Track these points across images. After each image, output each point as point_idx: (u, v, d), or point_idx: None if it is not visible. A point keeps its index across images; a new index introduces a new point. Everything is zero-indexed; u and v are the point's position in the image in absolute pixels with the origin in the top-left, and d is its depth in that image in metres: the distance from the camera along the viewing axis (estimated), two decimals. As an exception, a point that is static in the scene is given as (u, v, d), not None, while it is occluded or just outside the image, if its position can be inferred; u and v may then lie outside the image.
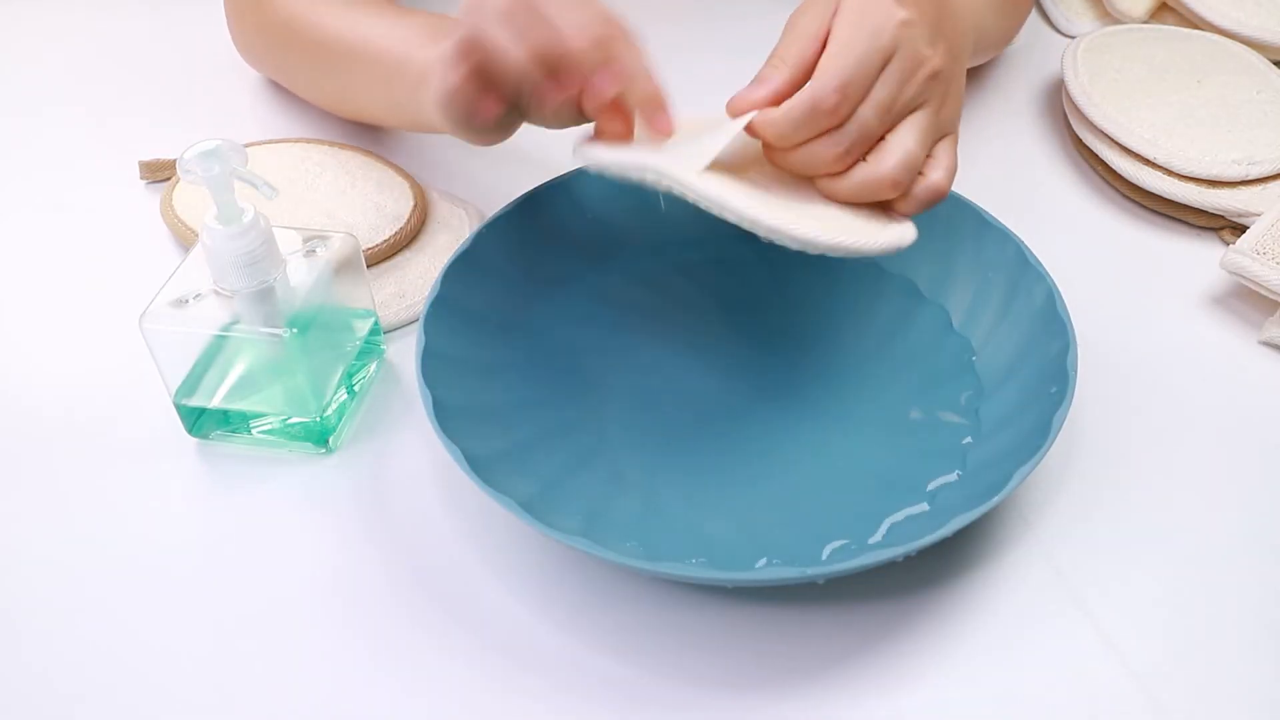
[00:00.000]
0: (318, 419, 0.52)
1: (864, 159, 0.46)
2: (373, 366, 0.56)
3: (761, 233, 0.44)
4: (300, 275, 0.50)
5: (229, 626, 0.46)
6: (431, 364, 0.49)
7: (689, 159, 0.45)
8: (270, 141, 0.68)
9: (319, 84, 0.64)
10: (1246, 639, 0.45)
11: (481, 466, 0.45)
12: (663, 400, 0.54)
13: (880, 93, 0.45)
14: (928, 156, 0.47)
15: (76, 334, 0.59)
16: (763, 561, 0.46)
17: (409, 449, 0.53)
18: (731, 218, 0.44)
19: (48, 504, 0.51)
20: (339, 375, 0.53)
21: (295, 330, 0.49)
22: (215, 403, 0.52)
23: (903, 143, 0.46)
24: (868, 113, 0.45)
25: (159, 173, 0.68)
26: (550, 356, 0.55)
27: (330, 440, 0.52)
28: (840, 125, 0.45)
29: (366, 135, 0.70)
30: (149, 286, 0.50)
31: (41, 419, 0.55)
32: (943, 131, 0.48)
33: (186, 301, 0.49)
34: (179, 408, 0.52)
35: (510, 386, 0.53)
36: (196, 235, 0.61)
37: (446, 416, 0.47)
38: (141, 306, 0.49)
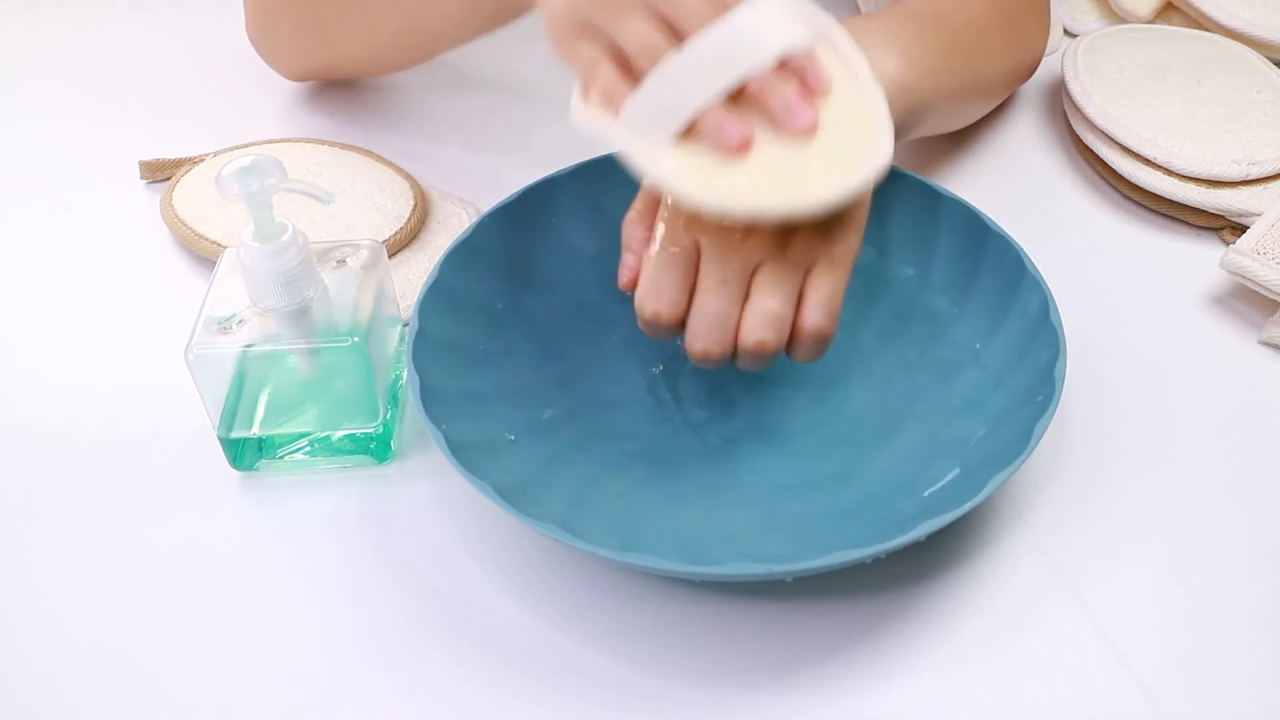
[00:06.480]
0: (380, 429, 0.50)
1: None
2: (405, 374, 0.54)
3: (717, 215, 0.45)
4: (337, 286, 0.49)
5: (227, 623, 0.46)
6: (423, 348, 0.49)
7: (654, 138, 0.45)
8: (270, 141, 0.68)
9: (375, 23, 0.59)
10: (1245, 637, 0.45)
11: (464, 452, 0.45)
12: (655, 394, 0.54)
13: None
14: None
15: (75, 333, 0.59)
16: (732, 557, 0.46)
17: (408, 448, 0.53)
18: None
19: (42, 501, 0.51)
20: (388, 382, 0.52)
21: (357, 338, 0.48)
22: (258, 429, 0.50)
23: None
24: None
25: (159, 172, 0.68)
26: (543, 347, 0.55)
27: (391, 446, 0.51)
28: None
29: (367, 135, 0.70)
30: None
31: (39, 417, 0.55)
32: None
33: (229, 327, 0.47)
34: (223, 441, 0.50)
35: (501, 375, 0.53)
36: (197, 235, 0.62)
37: (433, 401, 0.47)
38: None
